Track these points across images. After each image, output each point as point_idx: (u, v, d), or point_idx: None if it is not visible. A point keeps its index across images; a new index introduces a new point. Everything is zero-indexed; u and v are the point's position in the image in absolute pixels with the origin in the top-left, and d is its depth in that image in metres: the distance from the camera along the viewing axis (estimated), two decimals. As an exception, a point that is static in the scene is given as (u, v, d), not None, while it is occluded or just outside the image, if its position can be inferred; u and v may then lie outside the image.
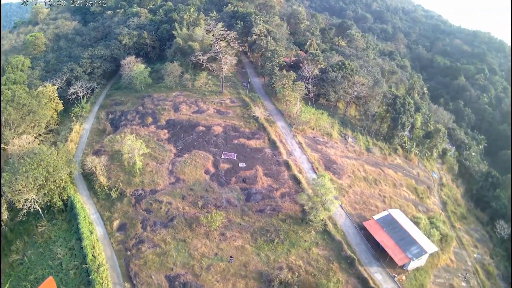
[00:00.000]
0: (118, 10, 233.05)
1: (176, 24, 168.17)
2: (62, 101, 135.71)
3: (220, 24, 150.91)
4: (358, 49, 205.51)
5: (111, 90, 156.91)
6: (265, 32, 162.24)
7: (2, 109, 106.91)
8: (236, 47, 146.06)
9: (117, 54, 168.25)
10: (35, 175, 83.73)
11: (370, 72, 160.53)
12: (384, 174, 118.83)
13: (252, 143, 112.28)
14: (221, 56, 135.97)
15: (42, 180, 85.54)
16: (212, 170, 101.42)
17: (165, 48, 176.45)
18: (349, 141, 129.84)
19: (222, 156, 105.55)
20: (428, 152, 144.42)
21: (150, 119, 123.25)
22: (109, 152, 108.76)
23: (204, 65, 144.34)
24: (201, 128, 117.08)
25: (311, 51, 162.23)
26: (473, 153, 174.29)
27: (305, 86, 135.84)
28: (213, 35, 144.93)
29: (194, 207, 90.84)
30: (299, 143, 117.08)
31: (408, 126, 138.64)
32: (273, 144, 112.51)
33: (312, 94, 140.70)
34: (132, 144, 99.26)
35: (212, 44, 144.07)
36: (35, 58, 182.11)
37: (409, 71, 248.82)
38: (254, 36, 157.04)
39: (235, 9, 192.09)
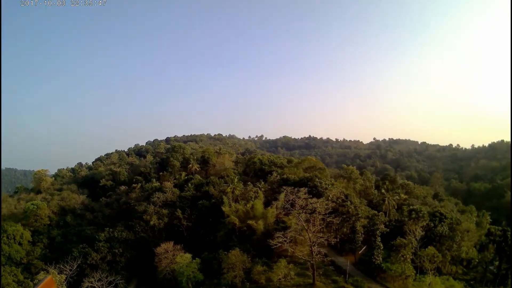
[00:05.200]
0: (134, 185, 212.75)
1: (224, 197, 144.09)
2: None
3: (303, 190, 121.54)
4: (420, 197, 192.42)
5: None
6: (343, 197, 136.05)
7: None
8: (330, 220, 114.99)
9: (145, 238, 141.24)
10: None
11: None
12: None
13: None
14: (309, 235, 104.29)
15: None
16: None
17: (206, 232, 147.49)
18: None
19: None
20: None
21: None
22: None
23: (282, 250, 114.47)
24: None
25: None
26: None
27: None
28: (292, 207, 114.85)
29: None
30: None
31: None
32: None
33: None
34: None
35: (283, 219, 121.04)
36: (37, 232, 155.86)
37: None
38: (331, 204, 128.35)
39: (284, 176, 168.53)
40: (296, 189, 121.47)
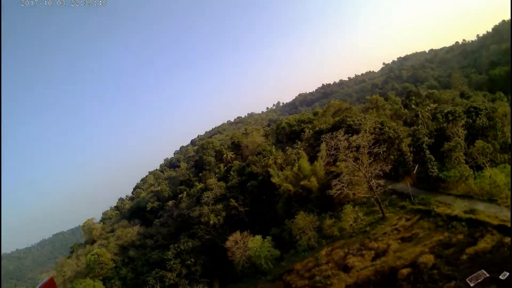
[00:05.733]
0: (180, 196, 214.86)
1: (270, 169, 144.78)
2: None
3: (340, 131, 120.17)
4: (449, 101, 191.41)
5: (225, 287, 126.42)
6: (379, 125, 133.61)
7: None
8: (376, 151, 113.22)
9: (211, 239, 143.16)
10: None
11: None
12: None
13: (483, 245, 74.54)
14: (363, 171, 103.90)
15: None
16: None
17: (264, 210, 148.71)
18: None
19: (472, 284, 66.00)
20: None
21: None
22: None
23: (342, 197, 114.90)
24: (404, 271, 78.48)
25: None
26: None
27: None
28: (336, 151, 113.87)
29: None
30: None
31: None
32: (508, 229, 75.04)
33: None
34: None
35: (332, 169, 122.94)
36: (107, 278, 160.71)
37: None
38: (370, 136, 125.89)
39: (316, 129, 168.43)
40: (333, 133, 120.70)
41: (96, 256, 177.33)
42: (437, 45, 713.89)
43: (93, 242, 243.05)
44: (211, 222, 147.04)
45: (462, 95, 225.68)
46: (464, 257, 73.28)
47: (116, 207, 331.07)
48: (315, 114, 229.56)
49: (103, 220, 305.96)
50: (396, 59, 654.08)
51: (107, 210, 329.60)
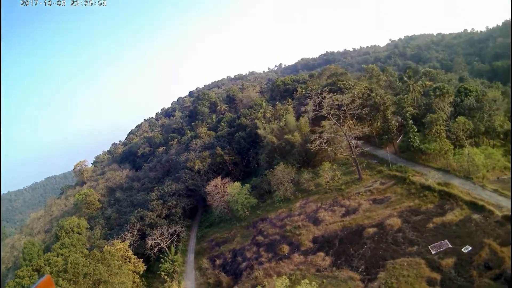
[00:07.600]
0: (170, 142, 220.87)
1: (257, 121, 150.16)
2: (141, 259, 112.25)
3: (326, 89, 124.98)
4: (445, 81, 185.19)
5: (202, 230, 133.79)
6: (368, 91, 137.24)
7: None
8: (359, 112, 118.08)
9: (194, 184, 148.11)
10: None
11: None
12: None
13: (451, 217, 79.43)
14: (344, 130, 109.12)
15: None
16: (437, 276, 66.46)
17: (249, 161, 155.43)
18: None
19: (434, 252, 72.09)
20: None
21: (286, 247, 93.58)
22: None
23: (323, 156, 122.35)
24: (370, 230, 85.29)
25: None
26: None
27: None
28: (318, 109, 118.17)
29: None
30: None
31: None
32: (478, 207, 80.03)
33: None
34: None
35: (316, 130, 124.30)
36: (92, 218, 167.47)
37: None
38: (358, 100, 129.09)
39: (308, 89, 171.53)
40: (319, 90, 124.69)
41: (83, 195, 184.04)
42: (445, 30, 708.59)
43: (83, 183, 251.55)
44: (196, 167, 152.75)
45: (461, 79, 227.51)
46: (431, 225, 78.92)
47: (109, 151, 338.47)
48: (311, 76, 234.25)
49: (95, 163, 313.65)
50: (403, 37, 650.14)
51: (100, 154, 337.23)
